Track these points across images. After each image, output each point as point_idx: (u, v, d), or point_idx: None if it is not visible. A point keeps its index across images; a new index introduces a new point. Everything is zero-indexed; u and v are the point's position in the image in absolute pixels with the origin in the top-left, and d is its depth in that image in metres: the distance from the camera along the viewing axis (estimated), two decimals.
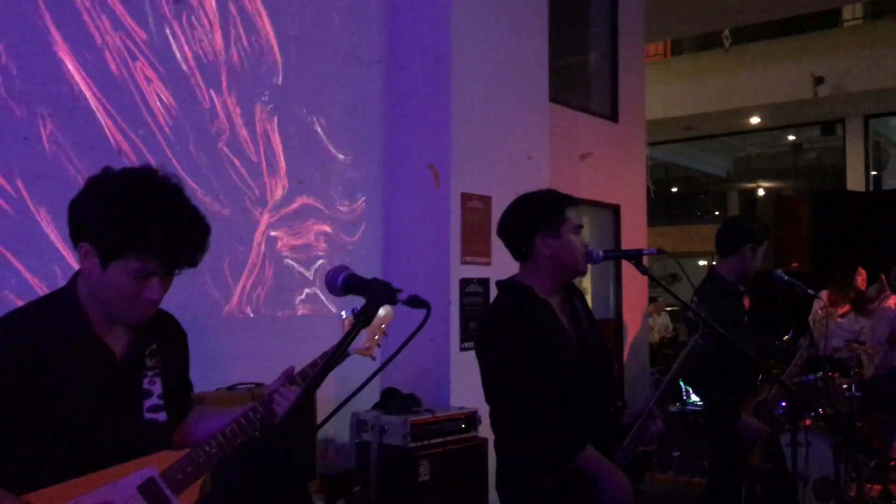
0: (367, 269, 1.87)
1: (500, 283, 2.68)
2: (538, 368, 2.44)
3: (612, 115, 7.56)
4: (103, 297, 1.83)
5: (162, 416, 1.94)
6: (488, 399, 2.57)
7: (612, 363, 2.88)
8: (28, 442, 1.78)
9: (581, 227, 2.61)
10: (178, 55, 4.06)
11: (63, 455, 1.79)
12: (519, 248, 2.62)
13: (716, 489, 3.86)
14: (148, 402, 1.92)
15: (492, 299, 2.76)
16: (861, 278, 6.67)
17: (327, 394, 3.26)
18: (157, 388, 1.94)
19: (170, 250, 1.81)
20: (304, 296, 4.62)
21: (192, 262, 1.86)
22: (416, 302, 1.60)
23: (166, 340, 2.02)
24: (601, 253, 2.60)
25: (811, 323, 6.16)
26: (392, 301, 1.60)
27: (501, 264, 2.85)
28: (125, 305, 1.83)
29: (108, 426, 1.84)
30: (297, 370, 2.06)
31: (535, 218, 2.58)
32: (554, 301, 2.61)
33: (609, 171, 7.35)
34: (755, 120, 15.48)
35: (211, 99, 4.21)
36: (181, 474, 1.87)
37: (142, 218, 1.76)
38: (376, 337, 2.09)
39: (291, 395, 1.98)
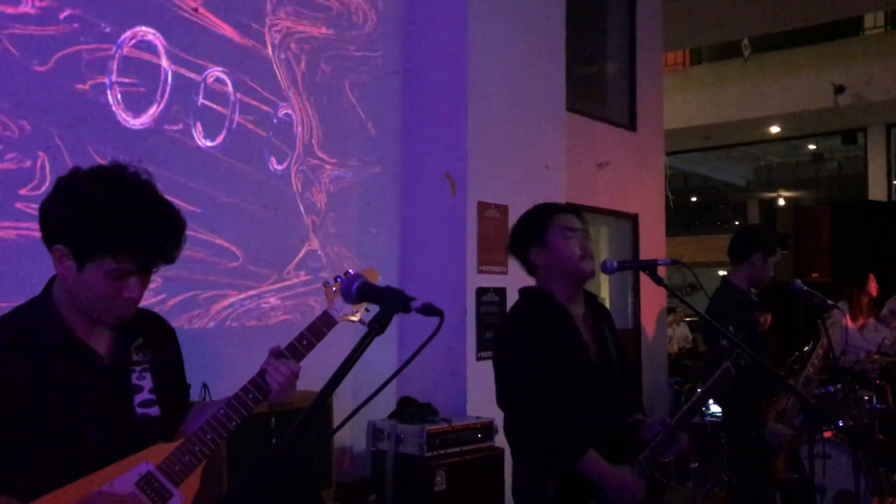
0: (383, 278, 1.87)
1: (521, 290, 2.74)
2: (547, 373, 2.46)
3: (631, 125, 7.54)
4: (81, 298, 1.80)
5: (154, 411, 1.91)
6: (499, 401, 2.60)
7: (632, 379, 2.89)
8: (19, 452, 1.75)
9: (573, 229, 2.62)
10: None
11: (58, 462, 1.76)
12: (524, 265, 2.72)
13: (742, 501, 3.82)
14: (139, 398, 1.90)
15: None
16: (872, 285, 6.60)
17: (343, 401, 3.28)
18: (148, 383, 1.92)
19: (146, 248, 1.78)
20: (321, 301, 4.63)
21: (169, 259, 1.84)
22: (429, 310, 1.60)
23: (152, 335, 1.99)
24: (615, 263, 2.60)
25: (827, 329, 6.11)
26: (406, 309, 1.61)
27: (518, 274, 2.87)
28: (104, 306, 1.81)
29: (101, 427, 1.82)
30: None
31: (523, 235, 2.67)
32: (575, 311, 2.62)
33: (627, 180, 7.33)
34: (775, 129, 15.37)
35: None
36: (179, 465, 1.85)
37: (115, 218, 1.73)
38: (363, 304, 2.05)
39: (282, 368, 1.94)
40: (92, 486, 1.77)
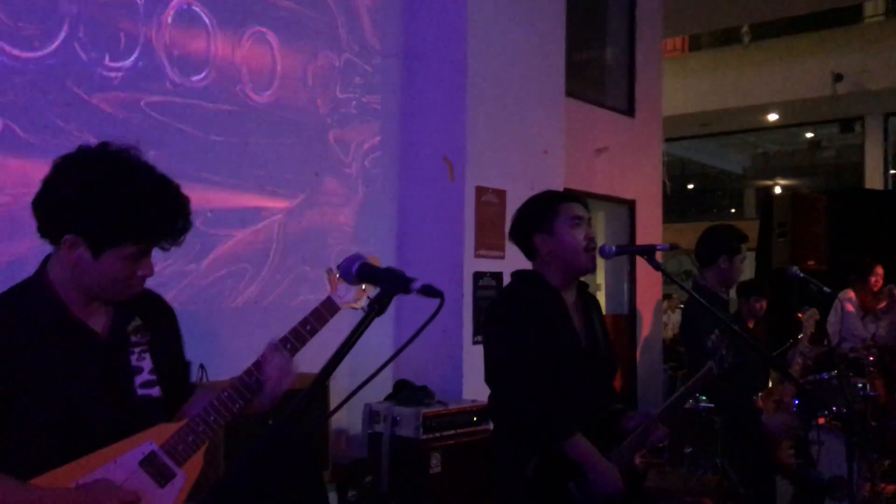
0: (381, 261, 1.87)
1: (515, 272, 2.75)
2: (538, 353, 2.46)
3: (629, 111, 7.53)
4: (94, 282, 1.82)
5: (156, 392, 1.93)
6: (487, 378, 2.60)
7: (616, 369, 2.90)
8: (19, 429, 1.76)
9: (580, 218, 2.61)
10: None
11: (58, 440, 1.77)
12: (524, 249, 2.70)
13: (751, 494, 3.82)
14: (139, 379, 1.91)
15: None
16: (874, 278, 6.61)
17: (340, 383, 3.29)
18: (147, 364, 1.93)
19: (163, 232, 1.83)
20: (317, 285, 4.64)
21: (181, 236, 1.88)
22: (429, 291, 1.61)
23: (150, 316, 2.00)
24: (614, 248, 2.62)
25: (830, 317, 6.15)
26: (406, 290, 1.61)
27: (515, 258, 2.88)
28: (120, 286, 1.84)
29: (102, 406, 1.83)
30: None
31: (529, 219, 2.66)
32: (567, 296, 2.63)
33: (625, 166, 7.33)
34: (773, 117, 15.35)
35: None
36: (182, 444, 1.87)
37: (133, 207, 1.76)
38: (363, 287, 2.07)
39: (276, 359, 1.95)
40: (94, 465, 1.78)
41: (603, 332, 2.72)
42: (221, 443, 3.45)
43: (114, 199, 1.75)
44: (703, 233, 3.89)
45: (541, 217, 2.62)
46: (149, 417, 1.88)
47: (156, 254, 1.90)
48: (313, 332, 2.04)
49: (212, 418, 1.91)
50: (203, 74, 4.12)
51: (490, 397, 2.61)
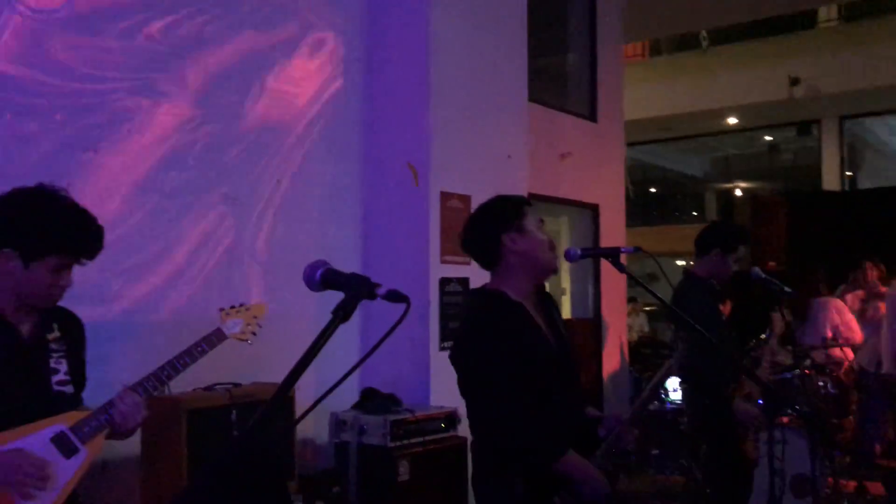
0: (345, 268, 1.86)
1: (472, 293, 2.69)
2: (517, 375, 2.41)
3: (592, 115, 7.58)
4: (25, 289, 2.26)
5: (70, 389, 2.38)
6: (469, 410, 2.54)
7: (579, 368, 2.88)
8: None
9: (542, 221, 2.60)
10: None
11: None
12: (487, 254, 2.59)
13: (712, 483, 3.86)
14: (56, 378, 2.35)
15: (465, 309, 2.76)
16: (861, 273, 6.75)
17: (305, 392, 3.23)
18: (63, 367, 2.38)
19: (83, 247, 2.30)
20: (282, 292, 4.58)
21: (96, 253, 2.34)
22: (395, 296, 1.59)
23: (66, 329, 2.43)
24: (579, 251, 2.60)
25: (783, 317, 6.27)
26: (371, 296, 1.59)
27: None
28: (45, 293, 2.29)
29: (22, 396, 2.26)
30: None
31: (498, 219, 2.57)
32: (528, 304, 2.59)
33: (588, 170, 7.37)
34: (732, 120, 15.59)
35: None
36: (88, 427, 2.31)
37: (58, 227, 2.25)
38: (249, 327, 2.74)
39: (127, 398, 2.35)
40: (13, 437, 2.20)
41: (564, 329, 2.70)
42: (185, 455, 3.39)
43: (43, 221, 2.24)
44: (707, 225, 4.06)
45: (510, 217, 2.55)
46: (62, 408, 2.32)
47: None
48: (203, 354, 2.54)
49: (110, 411, 2.34)
50: None
51: (472, 425, 2.56)
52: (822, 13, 14.22)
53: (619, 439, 2.53)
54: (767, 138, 17.85)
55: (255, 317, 2.80)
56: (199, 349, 2.54)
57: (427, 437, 4.36)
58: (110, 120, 3.84)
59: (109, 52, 3.85)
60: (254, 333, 2.77)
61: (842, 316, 6.62)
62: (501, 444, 2.46)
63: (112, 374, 2.87)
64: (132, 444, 3.32)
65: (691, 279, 3.96)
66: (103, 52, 3.82)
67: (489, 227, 2.57)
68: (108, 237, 2.39)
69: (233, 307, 2.80)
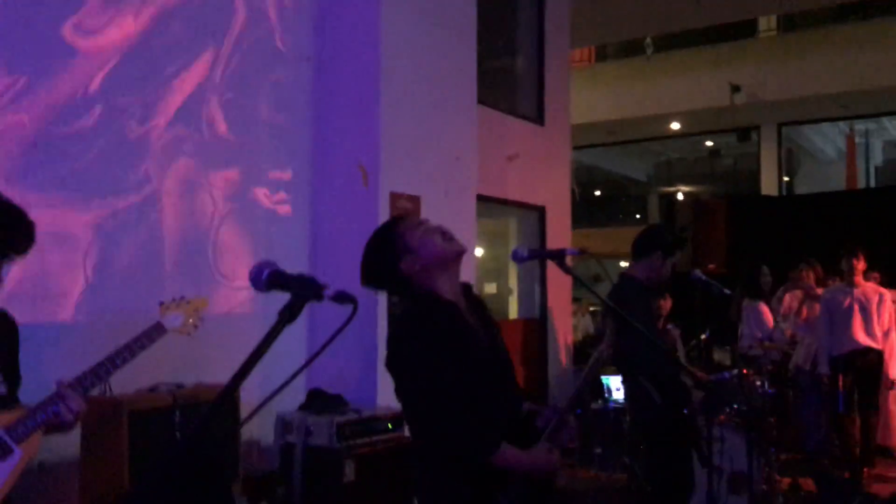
0: (293, 270, 1.86)
1: (401, 295, 2.62)
2: (451, 373, 2.42)
3: (539, 119, 7.67)
4: None
5: (3, 389, 2.36)
6: (406, 413, 2.53)
7: (514, 366, 2.91)
8: None
9: (421, 221, 2.56)
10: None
11: None
12: (401, 286, 2.55)
13: (653, 481, 3.94)
14: None
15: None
16: (798, 275, 6.96)
17: (251, 394, 3.21)
18: None
19: (12, 243, 2.28)
20: (228, 295, 4.54)
21: (27, 250, 2.33)
22: (342, 297, 1.59)
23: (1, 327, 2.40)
24: (526, 252, 2.63)
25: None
26: (318, 297, 1.59)
27: None
28: None
29: None
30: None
31: (386, 253, 2.51)
32: (461, 304, 2.60)
33: (535, 172, 7.46)
34: (675, 126, 15.93)
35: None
36: (23, 427, 2.28)
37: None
38: (191, 321, 2.69)
39: (67, 392, 2.31)
40: None
41: (497, 330, 2.72)
42: (126, 456, 3.33)
43: None
44: (645, 228, 4.08)
45: (392, 245, 2.49)
46: None
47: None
48: (142, 348, 2.49)
49: (48, 408, 2.31)
50: None
51: (412, 430, 2.55)
52: (763, 23, 14.64)
53: (559, 429, 2.56)
54: (709, 143, 18.28)
55: (196, 310, 2.72)
56: (139, 344, 2.48)
57: (374, 438, 4.36)
58: None
59: None
60: (196, 327, 2.69)
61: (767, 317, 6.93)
62: (438, 444, 2.47)
63: (49, 374, 2.81)
64: (70, 445, 3.25)
65: (627, 281, 3.97)
66: None
67: (384, 266, 2.53)
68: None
69: (173, 300, 2.71)
